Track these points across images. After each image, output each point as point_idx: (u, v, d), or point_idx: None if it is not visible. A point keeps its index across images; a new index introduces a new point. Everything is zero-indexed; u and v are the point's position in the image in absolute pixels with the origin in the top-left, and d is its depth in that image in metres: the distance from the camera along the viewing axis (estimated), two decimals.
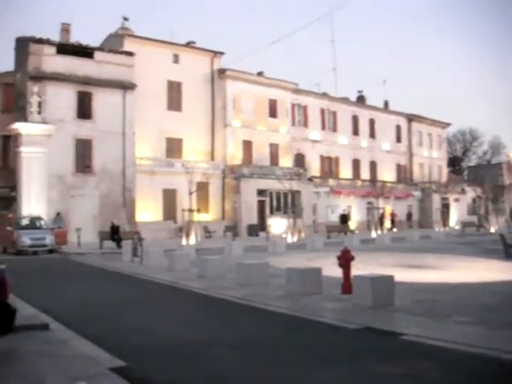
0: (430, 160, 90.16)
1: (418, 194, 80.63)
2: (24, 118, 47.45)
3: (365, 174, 77.57)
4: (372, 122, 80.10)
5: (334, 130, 74.46)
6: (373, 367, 9.19)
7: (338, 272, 17.49)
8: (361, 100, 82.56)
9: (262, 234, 53.38)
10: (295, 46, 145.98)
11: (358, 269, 17.30)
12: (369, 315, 13.65)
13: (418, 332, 11.69)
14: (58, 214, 45.29)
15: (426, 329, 12.04)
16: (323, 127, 73.00)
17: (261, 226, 57.58)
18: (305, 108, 71.02)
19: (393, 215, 70.70)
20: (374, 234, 50.72)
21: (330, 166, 73.61)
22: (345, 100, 78.29)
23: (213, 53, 62.54)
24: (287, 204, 59.09)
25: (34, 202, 45.51)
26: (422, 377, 8.77)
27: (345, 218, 61.69)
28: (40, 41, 49.05)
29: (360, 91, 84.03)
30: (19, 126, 46.66)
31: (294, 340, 11.61)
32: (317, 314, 14.02)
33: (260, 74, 67.35)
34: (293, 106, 68.83)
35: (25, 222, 41.03)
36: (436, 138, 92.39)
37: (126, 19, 60.62)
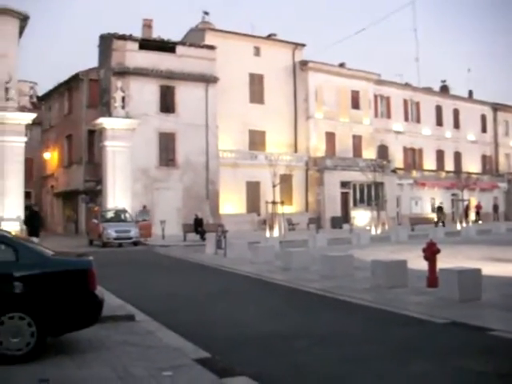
0: None
1: (504, 185, 79.14)
2: (108, 112, 48.20)
3: (449, 165, 76.27)
4: (456, 112, 78.67)
5: (418, 120, 73.52)
6: (461, 363, 9.02)
7: (422, 265, 17.28)
8: (444, 90, 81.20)
9: (345, 226, 53.16)
10: (377, 35, 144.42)
11: (443, 262, 17.00)
12: (455, 309, 13.41)
13: (507, 327, 11.41)
14: (144, 207, 45.82)
15: None
16: (406, 118, 72.16)
17: (344, 218, 57.31)
18: (387, 99, 70.30)
19: (478, 207, 69.46)
20: (458, 227, 49.93)
21: (413, 157, 72.77)
22: (428, 90, 77.08)
23: (294, 45, 62.43)
24: (371, 196, 58.61)
25: (118, 196, 46.12)
26: (509, 375, 8.59)
27: (441, 210, 60.84)
28: (123, 37, 49.70)
29: (443, 81, 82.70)
30: (104, 121, 47.39)
31: (380, 334, 11.50)
32: (403, 307, 13.87)
33: (342, 65, 66.95)
34: (375, 96, 68.21)
35: (110, 214, 41.68)
36: None
37: (206, 13, 61.03)
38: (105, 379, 8.27)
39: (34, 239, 24.79)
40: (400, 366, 9.06)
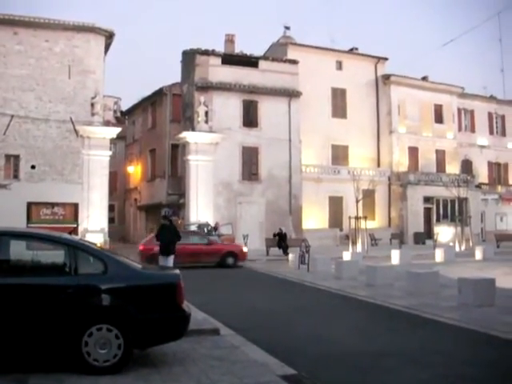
0: None
1: None
2: (191, 127, 48.60)
3: None
4: None
5: (503, 134, 72.10)
6: None
7: (510, 283, 16.92)
8: None
9: (428, 242, 52.47)
10: (461, 48, 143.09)
11: None
12: None
13: None
14: (217, 223, 45.66)
15: None
16: (491, 132, 70.90)
17: (427, 233, 56.61)
18: (471, 112, 69.26)
19: None
20: None
21: (498, 172, 71.48)
22: None
23: (376, 58, 62.07)
24: (454, 211, 57.78)
25: (201, 209, 46.46)
26: None
27: None
28: (206, 52, 50.11)
29: None
30: (187, 135, 47.81)
31: (469, 355, 11.26)
32: (492, 327, 13.54)
33: (424, 78, 66.26)
34: (459, 110, 67.24)
35: (193, 228, 41.90)
36: None
37: (287, 28, 61.33)
38: None
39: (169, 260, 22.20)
40: None
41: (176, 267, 12.80)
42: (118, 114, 72.65)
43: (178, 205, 51.16)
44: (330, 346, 11.90)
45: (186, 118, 51.21)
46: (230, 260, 34.06)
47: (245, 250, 35.78)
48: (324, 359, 10.75)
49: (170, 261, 21.87)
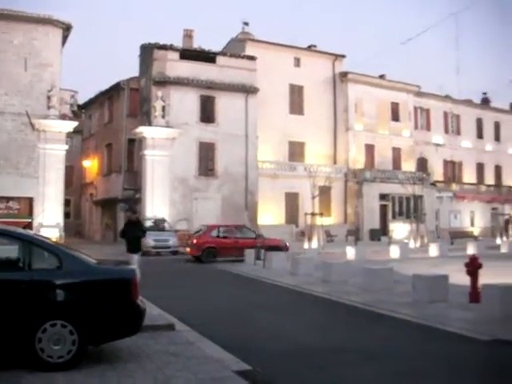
0: None
1: None
2: (148, 122, 48.48)
3: (489, 178, 75.58)
4: (497, 125, 77.99)
5: (458, 133, 72.99)
6: (507, 382, 8.89)
7: (463, 279, 17.10)
8: (485, 102, 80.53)
9: (383, 238, 52.85)
10: (417, 47, 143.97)
11: (484, 277, 16.75)
12: (499, 326, 13.20)
13: None
14: (186, 218, 45.58)
15: None
16: (446, 131, 71.70)
17: (383, 230, 57.08)
18: (427, 111, 69.94)
19: None
20: (498, 241, 49.41)
21: (453, 170, 72.25)
22: (468, 102, 76.41)
23: (334, 56, 62.33)
24: (409, 209, 58.34)
25: (157, 204, 46.39)
26: None
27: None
28: (164, 47, 50.00)
29: (484, 93, 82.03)
30: (144, 130, 47.74)
31: (424, 350, 11.34)
32: (445, 323, 13.70)
33: (382, 76, 66.73)
34: (415, 108, 67.86)
35: (149, 223, 41.74)
36: None
37: (246, 24, 61.19)
38: None
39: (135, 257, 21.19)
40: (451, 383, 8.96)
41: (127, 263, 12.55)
42: (75, 108, 71.89)
43: (134, 200, 50.89)
44: (286, 342, 11.91)
45: (143, 113, 50.99)
46: None
47: (287, 244, 36.34)
48: (280, 355, 10.75)
49: (137, 258, 20.67)
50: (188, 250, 35.76)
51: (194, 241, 34.74)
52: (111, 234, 55.16)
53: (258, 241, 33.95)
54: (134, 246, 21.08)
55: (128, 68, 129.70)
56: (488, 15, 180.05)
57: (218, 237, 35.04)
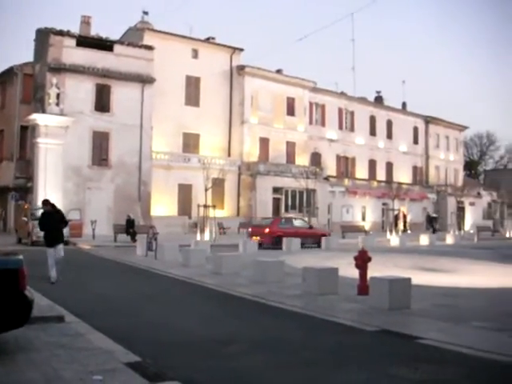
0: (447, 163, 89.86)
1: (433, 196, 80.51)
2: (42, 109, 47.57)
3: (381, 174, 77.40)
4: (389, 123, 79.95)
5: (352, 129, 74.39)
6: (391, 371, 9.08)
7: (353, 272, 17.42)
8: (379, 100, 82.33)
9: None
10: (315, 44, 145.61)
11: (373, 270, 17.10)
12: (385, 317, 13.51)
13: (435, 336, 11.52)
14: (78, 209, 44.96)
15: (443, 333, 11.85)
16: (340, 127, 72.95)
17: None
18: (322, 107, 70.93)
19: (404, 216, 70.19)
20: (388, 236, 50.44)
21: (346, 165, 73.59)
22: (363, 100, 78.11)
23: (232, 49, 62.60)
24: (302, 202, 59.12)
25: (49, 194, 45.40)
26: (437, 382, 8.67)
27: (430, 219, 67.46)
28: (60, 33, 49.06)
29: (378, 92, 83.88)
30: (37, 117, 46.75)
31: (311, 340, 11.50)
32: (333, 314, 13.92)
33: (279, 71, 67.33)
34: (311, 104, 68.76)
35: (40, 213, 40.97)
36: (453, 141, 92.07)
37: (145, 13, 60.84)
38: (34, 383, 8.08)
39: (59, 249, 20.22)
40: (334, 373, 9.08)
41: (18, 252, 12.34)
42: None
43: (26, 188, 49.96)
44: (177, 333, 11.89)
45: (37, 100, 50.08)
46: None
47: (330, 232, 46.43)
48: (170, 346, 10.72)
49: (61, 251, 20.16)
50: (257, 238, 38.66)
51: (267, 230, 39.67)
52: (1, 224, 54.06)
53: (311, 231, 42.15)
54: (56, 237, 20.29)
55: (25, 53, 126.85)
56: (384, 16, 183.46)
57: (283, 227, 40.35)
